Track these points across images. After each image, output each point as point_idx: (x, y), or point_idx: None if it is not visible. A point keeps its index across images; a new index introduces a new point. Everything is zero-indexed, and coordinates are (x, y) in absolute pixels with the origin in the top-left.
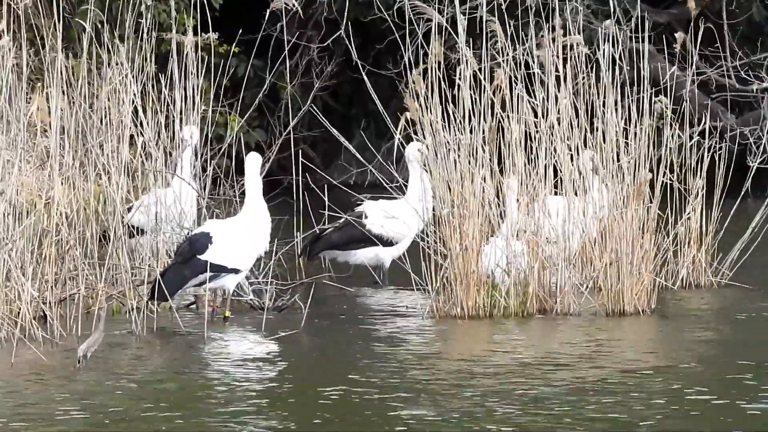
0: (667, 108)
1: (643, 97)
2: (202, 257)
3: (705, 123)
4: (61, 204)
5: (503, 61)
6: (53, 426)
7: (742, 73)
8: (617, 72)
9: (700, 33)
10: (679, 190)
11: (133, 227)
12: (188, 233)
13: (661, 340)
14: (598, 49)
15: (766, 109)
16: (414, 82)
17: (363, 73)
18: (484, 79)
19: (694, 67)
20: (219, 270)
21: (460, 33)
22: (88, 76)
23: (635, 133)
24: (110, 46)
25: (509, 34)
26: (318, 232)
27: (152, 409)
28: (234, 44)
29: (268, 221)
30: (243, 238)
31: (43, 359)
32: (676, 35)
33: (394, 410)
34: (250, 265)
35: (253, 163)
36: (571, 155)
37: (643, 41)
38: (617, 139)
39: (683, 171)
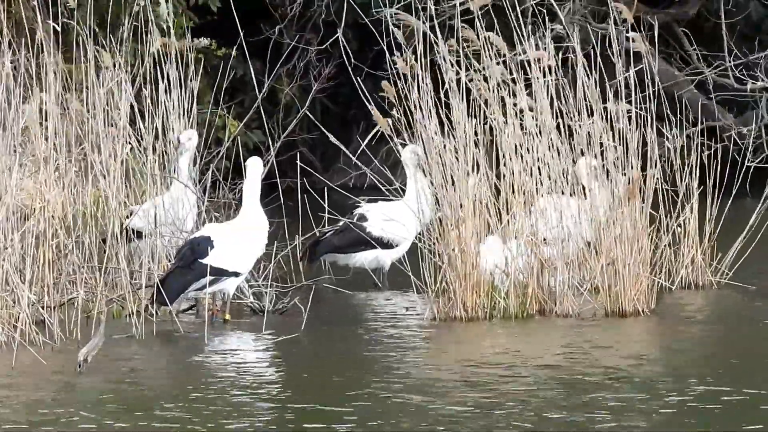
0: (638, 110)
1: (637, 98)
2: (204, 261)
3: (700, 123)
4: (58, 208)
5: (482, 68)
6: (54, 430)
7: (737, 72)
8: (613, 72)
9: (679, 30)
10: (676, 190)
11: (132, 231)
12: (187, 237)
13: (661, 340)
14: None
15: (764, 108)
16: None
17: (358, 77)
18: (469, 82)
19: (675, 62)
20: (221, 273)
21: (456, 36)
22: (86, 80)
23: (626, 134)
24: (106, 50)
25: (499, 36)
26: (318, 235)
27: (152, 413)
28: (234, 47)
29: (266, 224)
30: (243, 241)
31: (43, 363)
32: (633, 36)
33: (395, 413)
34: (250, 267)
35: (255, 167)
36: (553, 155)
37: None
38: (608, 140)
39: (681, 170)
